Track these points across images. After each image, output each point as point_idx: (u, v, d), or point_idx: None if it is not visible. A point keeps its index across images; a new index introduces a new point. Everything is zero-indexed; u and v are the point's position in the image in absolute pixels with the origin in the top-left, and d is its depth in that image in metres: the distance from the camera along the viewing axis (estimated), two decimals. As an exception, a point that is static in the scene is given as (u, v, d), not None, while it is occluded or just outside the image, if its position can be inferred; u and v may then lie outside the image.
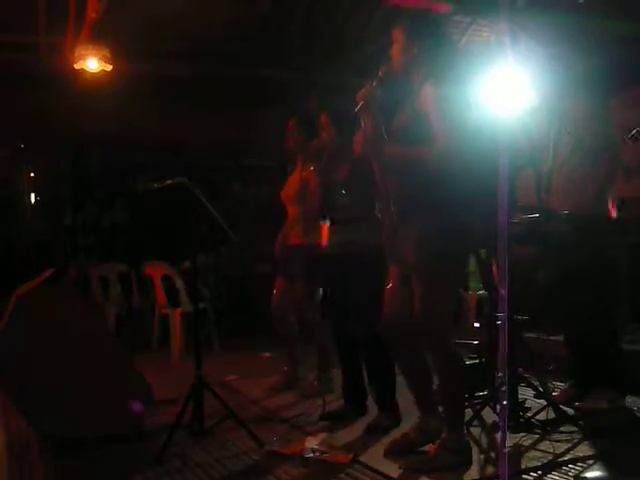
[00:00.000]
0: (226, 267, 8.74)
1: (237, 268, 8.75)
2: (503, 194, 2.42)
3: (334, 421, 4.22)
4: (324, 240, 4.54)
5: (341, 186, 4.21)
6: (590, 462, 3.30)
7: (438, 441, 3.30)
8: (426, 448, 3.41)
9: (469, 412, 3.90)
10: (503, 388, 2.48)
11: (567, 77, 4.31)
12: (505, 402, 3.60)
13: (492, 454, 3.42)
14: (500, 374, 3.18)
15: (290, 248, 5.13)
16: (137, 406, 3.45)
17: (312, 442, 3.71)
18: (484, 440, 3.63)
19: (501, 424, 2.61)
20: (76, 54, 6.62)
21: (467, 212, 3.29)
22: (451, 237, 3.23)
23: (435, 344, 3.28)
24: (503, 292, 2.47)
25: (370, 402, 4.30)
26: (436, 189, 3.21)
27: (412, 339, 3.34)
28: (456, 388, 3.37)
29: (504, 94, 3.21)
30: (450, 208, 3.22)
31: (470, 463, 3.27)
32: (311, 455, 3.52)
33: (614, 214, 4.26)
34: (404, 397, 3.95)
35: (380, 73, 3.40)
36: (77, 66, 6.67)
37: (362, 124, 3.45)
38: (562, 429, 3.73)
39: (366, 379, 4.28)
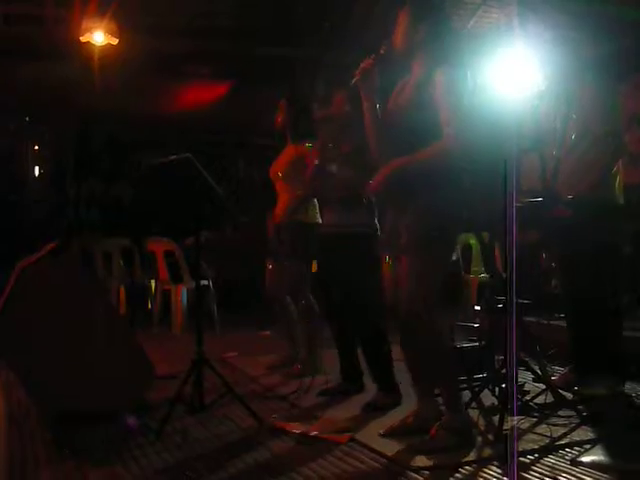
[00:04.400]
0: (229, 244, 8.74)
1: (240, 245, 8.75)
2: (510, 177, 2.41)
3: (332, 397, 4.27)
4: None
5: (344, 161, 4.21)
6: (587, 446, 3.30)
7: (438, 423, 3.32)
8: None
9: (467, 394, 3.92)
10: (504, 370, 2.48)
11: (576, 61, 4.28)
12: (504, 385, 3.64)
13: (490, 436, 3.43)
14: (500, 357, 3.19)
15: (279, 226, 5.09)
16: (132, 421, 3.45)
17: (310, 420, 3.73)
18: (482, 422, 3.64)
19: (509, 406, 2.62)
20: (83, 27, 6.59)
21: (463, 194, 3.30)
22: (444, 220, 3.25)
23: (420, 324, 3.28)
24: (505, 275, 2.47)
25: (369, 380, 4.33)
26: (432, 175, 3.22)
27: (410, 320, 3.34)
28: (445, 370, 3.38)
29: (512, 76, 3.20)
30: (448, 192, 3.23)
31: (472, 443, 3.29)
32: (309, 433, 3.53)
33: (619, 200, 4.26)
34: (406, 381, 3.98)
35: (382, 50, 3.39)
36: (83, 39, 6.64)
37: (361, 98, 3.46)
38: (560, 413, 3.74)
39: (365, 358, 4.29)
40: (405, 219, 3.28)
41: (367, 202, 4.06)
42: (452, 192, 3.26)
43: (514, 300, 2.40)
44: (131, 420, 3.41)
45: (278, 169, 5.16)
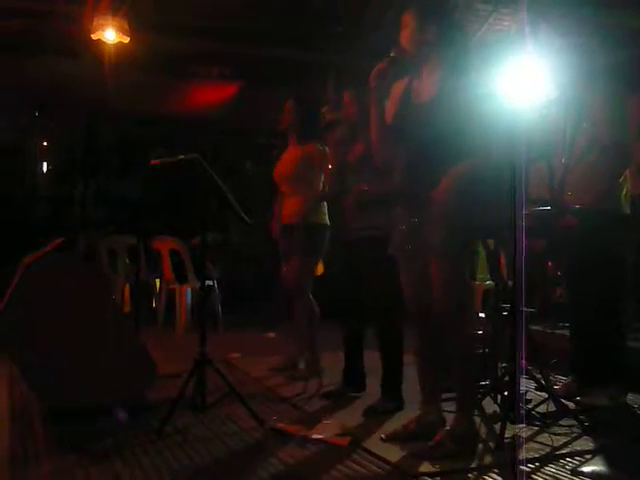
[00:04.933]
0: (236, 245, 8.76)
1: (246, 246, 8.76)
2: (519, 186, 2.41)
3: (334, 400, 4.28)
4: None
5: (352, 168, 4.22)
6: (588, 457, 3.29)
7: (445, 429, 3.32)
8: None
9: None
10: (506, 378, 2.48)
11: (586, 69, 4.27)
12: (506, 393, 3.64)
13: (491, 444, 3.42)
14: (504, 364, 3.17)
15: (289, 227, 5.05)
16: (122, 414, 3.43)
17: (312, 423, 3.73)
18: (484, 430, 3.64)
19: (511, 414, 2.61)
20: (94, 24, 6.61)
21: (484, 200, 3.30)
22: (469, 224, 3.24)
23: (453, 326, 3.28)
24: (510, 283, 2.46)
25: (370, 384, 4.33)
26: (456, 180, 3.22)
27: (432, 323, 3.35)
28: (468, 376, 3.38)
29: (522, 84, 3.20)
30: (468, 197, 3.22)
31: (474, 453, 3.27)
32: (310, 436, 3.53)
33: (626, 210, 4.25)
34: (408, 387, 3.99)
35: (392, 53, 3.37)
36: (95, 36, 6.65)
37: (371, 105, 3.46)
38: (562, 422, 3.73)
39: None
40: (434, 221, 3.27)
41: (383, 204, 4.06)
42: (478, 195, 3.26)
43: (522, 308, 2.40)
44: (121, 413, 3.41)
45: (285, 170, 5.14)
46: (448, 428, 3.32)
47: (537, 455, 3.29)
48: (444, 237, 3.21)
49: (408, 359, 3.96)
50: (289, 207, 5.09)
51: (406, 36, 3.38)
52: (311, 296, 5.04)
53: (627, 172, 4.27)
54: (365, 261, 4.13)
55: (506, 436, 3.38)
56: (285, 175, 5.12)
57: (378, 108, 3.44)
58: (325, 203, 5.01)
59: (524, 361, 3.62)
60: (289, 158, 5.13)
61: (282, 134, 5.29)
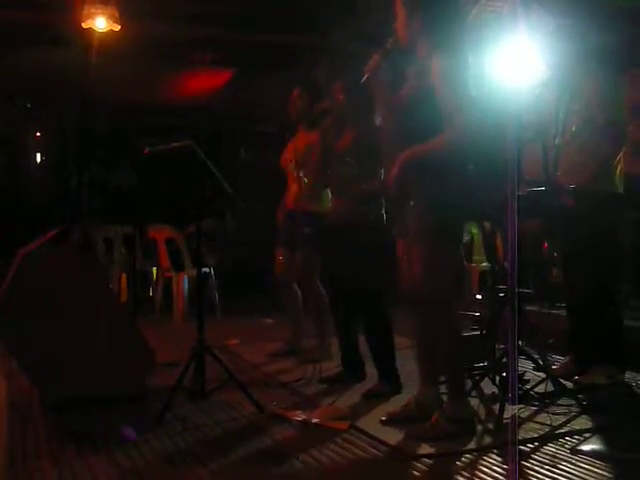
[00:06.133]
0: (231, 232, 8.74)
1: (241, 233, 8.75)
2: (512, 167, 2.41)
3: (332, 385, 4.28)
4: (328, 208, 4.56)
5: (343, 154, 4.22)
6: (587, 435, 3.32)
7: (439, 410, 3.33)
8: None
9: (468, 383, 3.93)
10: (504, 359, 2.49)
11: (579, 50, 4.26)
12: (504, 374, 3.65)
13: (490, 425, 3.44)
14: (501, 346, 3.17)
15: (291, 214, 5.07)
16: (129, 432, 3.42)
17: (311, 407, 3.74)
18: (482, 411, 3.65)
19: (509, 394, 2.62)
20: (85, 13, 6.56)
21: (468, 184, 3.29)
22: (448, 209, 3.23)
23: (433, 312, 3.30)
24: (507, 265, 2.47)
25: (369, 368, 4.34)
26: (439, 165, 3.22)
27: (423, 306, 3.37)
28: (454, 357, 3.39)
29: (515, 66, 3.19)
30: (451, 180, 3.22)
31: (473, 433, 3.29)
32: (310, 420, 3.55)
33: (620, 190, 4.25)
34: (405, 370, 4.00)
35: (388, 45, 3.37)
36: (85, 25, 6.61)
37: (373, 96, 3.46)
38: (560, 402, 3.75)
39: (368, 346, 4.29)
40: (413, 209, 3.27)
41: (372, 192, 4.06)
42: (458, 181, 3.25)
43: (514, 288, 2.40)
44: (129, 431, 3.40)
45: (290, 156, 5.10)
46: (441, 409, 3.34)
47: (536, 435, 3.31)
48: (416, 222, 3.24)
49: (406, 343, 3.98)
50: (291, 194, 5.08)
51: (399, 25, 3.37)
52: (319, 283, 5.03)
53: (622, 151, 4.27)
54: (341, 247, 4.16)
55: (505, 417, 3.40)
56: (290, 161, 5.09)
57: (382, 99, 3.45)
58: (328, 191, 4.98)
59: (519, 342, 3.64)
60: (297, 144, 5.10)
61: (292, 121, 5.25)
